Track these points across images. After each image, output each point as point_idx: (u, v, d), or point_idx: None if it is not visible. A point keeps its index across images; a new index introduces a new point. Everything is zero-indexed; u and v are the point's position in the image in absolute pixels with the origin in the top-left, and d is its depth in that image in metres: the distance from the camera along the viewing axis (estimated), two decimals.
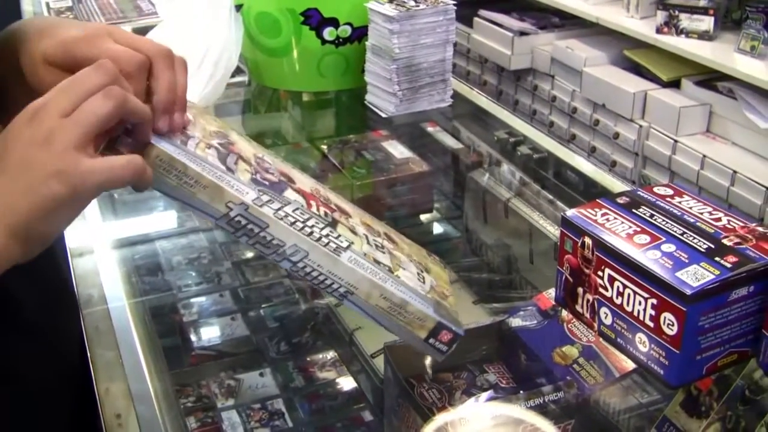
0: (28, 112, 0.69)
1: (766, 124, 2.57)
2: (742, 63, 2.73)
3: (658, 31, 2.99)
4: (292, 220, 0.78)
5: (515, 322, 1.08)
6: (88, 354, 1.05)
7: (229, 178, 0.76)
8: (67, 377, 1.02)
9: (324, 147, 1.67)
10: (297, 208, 0.80)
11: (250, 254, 1.64)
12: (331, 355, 1.35)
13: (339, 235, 0.82)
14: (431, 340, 0.83)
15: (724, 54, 2.81)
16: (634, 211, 0.89)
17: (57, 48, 0.78)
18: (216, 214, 0.75)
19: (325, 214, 0.84)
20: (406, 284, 0.83)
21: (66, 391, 1.01)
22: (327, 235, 0.80)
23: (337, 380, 1.31)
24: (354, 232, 0.85)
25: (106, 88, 0.69)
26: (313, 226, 0.79)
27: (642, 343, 0.82)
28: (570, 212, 0.90)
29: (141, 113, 0.72)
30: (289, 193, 0.82)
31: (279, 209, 0.78)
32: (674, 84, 2.97)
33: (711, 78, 2.86)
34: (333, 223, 0.83)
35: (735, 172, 2.60)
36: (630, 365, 0.96)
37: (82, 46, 0.77)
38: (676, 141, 2.80)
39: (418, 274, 0.89)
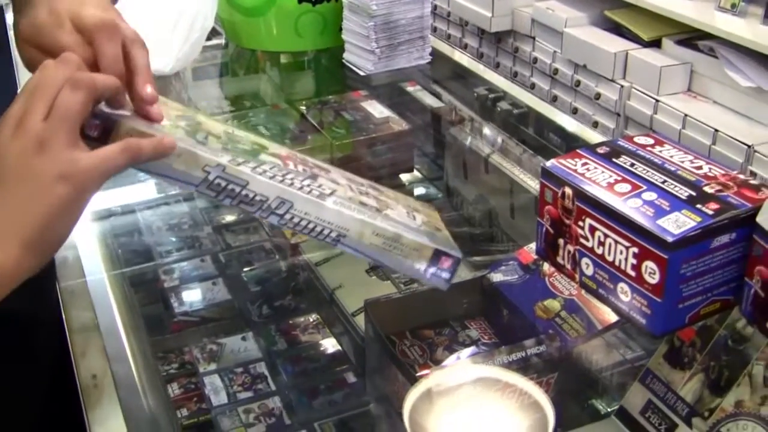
0: (9, 125, 0.68)
1: (747, 82, 2.56)
2: (723, 21, 2.71)
3: None
4: (271, 174, 0.78)
5: (496, 277, 1.07)
6: (63, 316, 1.04)
7: (200, 146, 0.77)
8: (46, 341, 1.01)
9: (303, 108, 1.65)
10: (274, 167, 0.80)
11: (230, 218, 1.63)
12: (313, 317, 1.34)
13: (320, 185, 0.82)
14: (432, 269, 0.83)
15: (704, 12, 2.79)
16: (614, 160, 0.88)
17: (29, 29, 0.80)
18: (195, 180, 0.76)
19: (304, 170, 0.84)
20: (395, 219, 0.84)
21: (46, 353, 0.99)
22: (308, 185, 0.80)
23: (320, 342, 1.30)
24: (336, 183, 0.85)
25: (70, 79, 0.69)
26: (293, 178, 0.80)
27: (624, 292, 0.82)
28: (550, 163, 0.89)
29: (112, 87, 0.72)
30: (264, 157, 0.82)
31: (256, 167, 0.78)
32: (655, 44, 2.95)
33: (692, 37, 2.85)
34: (313, 177, 0.83)
35: (716, 130, 2.59)
36: (612, 318, 0.95)
37: (45, 33, 0.79)
38: (657, 100, 2.79)
39: (408, 213, 0.89)
